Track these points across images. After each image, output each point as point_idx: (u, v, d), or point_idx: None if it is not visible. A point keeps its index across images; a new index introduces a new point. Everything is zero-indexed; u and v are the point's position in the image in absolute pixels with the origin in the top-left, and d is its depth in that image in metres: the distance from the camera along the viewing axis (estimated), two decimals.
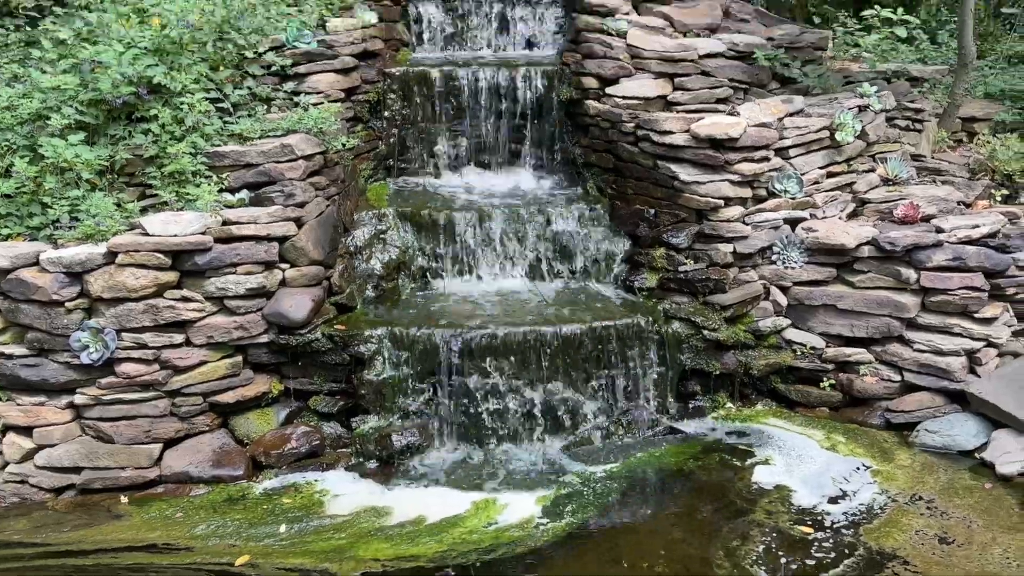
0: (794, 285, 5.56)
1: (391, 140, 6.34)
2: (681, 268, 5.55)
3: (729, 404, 5.57)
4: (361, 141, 6.07)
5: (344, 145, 5.59)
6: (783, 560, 4.04)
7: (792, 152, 5.68)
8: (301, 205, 5.12)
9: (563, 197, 6.16)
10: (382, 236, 5.75)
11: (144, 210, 4.97)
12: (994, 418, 4.92)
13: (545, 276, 5.89)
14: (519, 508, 4.53)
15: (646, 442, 5.21)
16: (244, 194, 5.12)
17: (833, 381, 5.45)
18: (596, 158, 6.20)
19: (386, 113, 6.28)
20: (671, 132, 5.56)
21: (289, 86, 5.73)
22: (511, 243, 5.84)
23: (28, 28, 5.91)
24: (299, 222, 5.11)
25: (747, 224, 5.54)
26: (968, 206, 5.72)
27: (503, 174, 6.44)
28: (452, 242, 5.79)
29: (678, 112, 5.83)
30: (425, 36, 6.74)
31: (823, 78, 6.28)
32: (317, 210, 5.29)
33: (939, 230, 5.30)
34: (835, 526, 4.32)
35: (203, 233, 4.79)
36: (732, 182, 5.49)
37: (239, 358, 5.02)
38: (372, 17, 6.21)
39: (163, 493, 4.75)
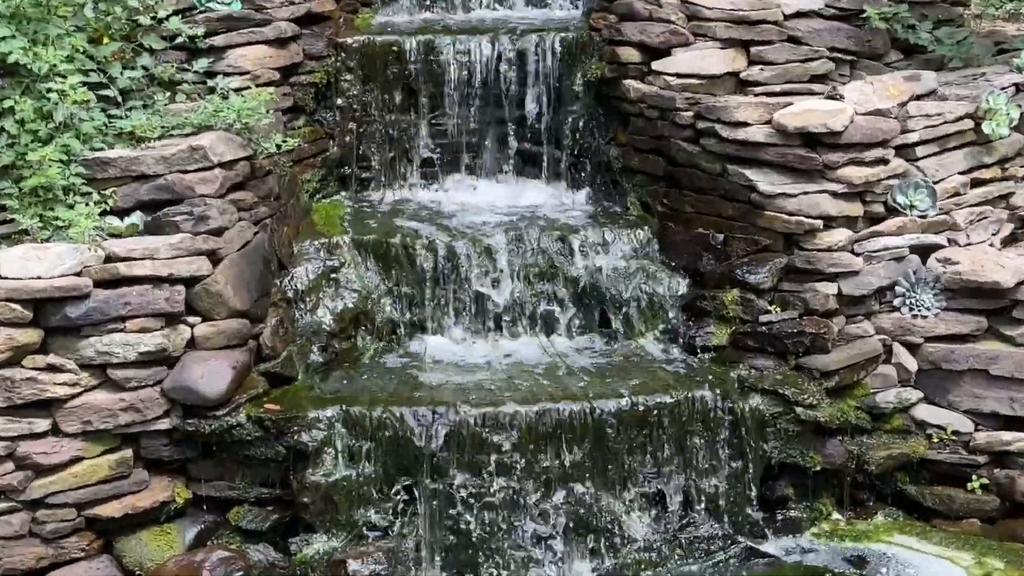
0: (926, 341, 5.57)
1: (347, 139, 6.39)
2: (763, 318, 5.56)
3: (836, 515, 5.57)
4: (304, 141, 6.13)
5: (280, 147, 5.62)
6: None
7: (920, 151, 5.71)
8: (218, 232, 5.18)
9: (593, 218, 6.24)
10: (334, 276, 5.78)
11: None
12: None
13: (568, 331, 5.95)
14: None
15: (716, 570, 5.23)
16: (137, 218, 5.14)
17: (986, 480, 5.44)
18: (639, 161, 6.27)
19: (339, 101, 6.34)
20: (746, 124, 5.60)
21: (201, 64, 5.78)
22: (519, 284, 5.90)
23: None
24: (215, 257, 5.15)
25: (857, 254, 5.57)
26: None
27: (507, 186, 6.53)
28: (435, 284, 5.84)
29: (756, 95, 5.86)
30: None
31: (964, 45, 6.26)
32: (241, 239, 5.34)
33: None
34: None
35: (78, 274, 4.82)
36: (835, 194, 5.52)
37: (128, 452, 5.03)
38: None
39: None
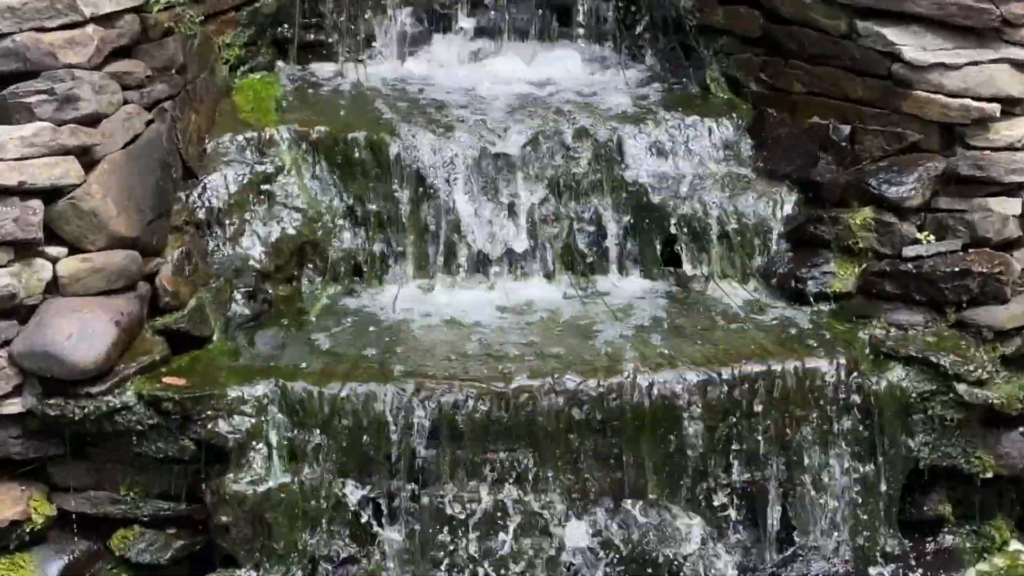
0: None
1: None
2: (909, 251, 5.57)
3: (1015, 543, 5.63)
4: None
5: None
6: None
7: None
8: (93, 121, 5.18)
9: (655, 101, 6.31)
10: (266, 187, 5.82)
11: None
12: None
13: (617, 271, 6.03)
14: None
15: None
16: None
17: None
18: (724, 17, 6.35)
19: None
20: None
21: None
22: (544, 201, 5.96)
23: None
24: (88, 157, 5.15)
25: None
26: None
27: (528, 53, 6.62)
28: (418, 200, 5.90)
29: None
30: None
31: None
32: (127, 132, 5.33)
33: None
34: None
35: None
36: (1019, 64, 5.54)
37: None
38: None
39: None
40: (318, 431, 5.15)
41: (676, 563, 5.26)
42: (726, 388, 5.26)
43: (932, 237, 5.56)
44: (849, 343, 5.47)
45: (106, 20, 5.24)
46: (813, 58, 5.91)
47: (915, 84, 5.56)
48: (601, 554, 5.24)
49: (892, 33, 5.59)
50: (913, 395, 5.40)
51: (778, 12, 6.02)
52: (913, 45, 5.55)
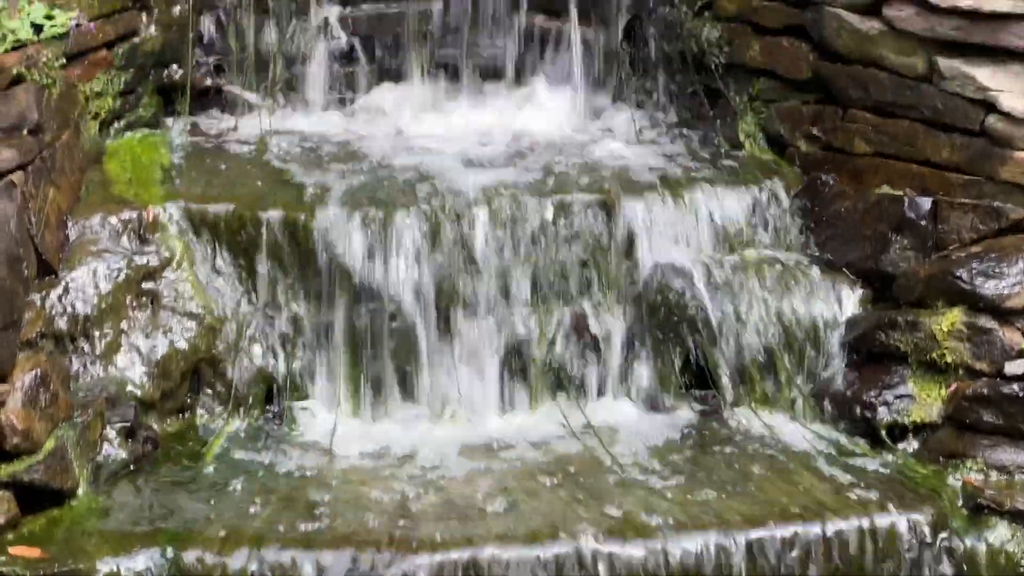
0: None
1: (176, 10, 6.65)
2: (1013, 368, 5.55)
3: None
4: (91, 17, 6.22)
5: (40, 29, 5.83)
6: None
7: None
8: None
9: (669, 163, 6.44)
10: (149, 286, 5.88)
11: None
12: None
13: (623, 394, 6.08)
14: None
15: None
16: None
17: None
18: (762, 52, 6.52)
19: None
20: None
21: None
22: (520, 306, 6.07)
23: None
24: None
25: None
26: None
27: (502, 101, 6.91)
28: (352, 304, 5.98)
29: None
30: None
31: None
32: None
33: None
34: None
35: None
36: None
37: None
38: None
39: None
40: None
41: None
42: (769, 556, 5.19)
43: None
44: (935, 492, 5.43)
45: None
46: (881, 108, 6.02)
47: (1016, 142, 5.65)
48: None
49: (985, 75, 5.68)
50: None
51: (832, 46, 6.14)
52: (1014, 91, 5.64)
